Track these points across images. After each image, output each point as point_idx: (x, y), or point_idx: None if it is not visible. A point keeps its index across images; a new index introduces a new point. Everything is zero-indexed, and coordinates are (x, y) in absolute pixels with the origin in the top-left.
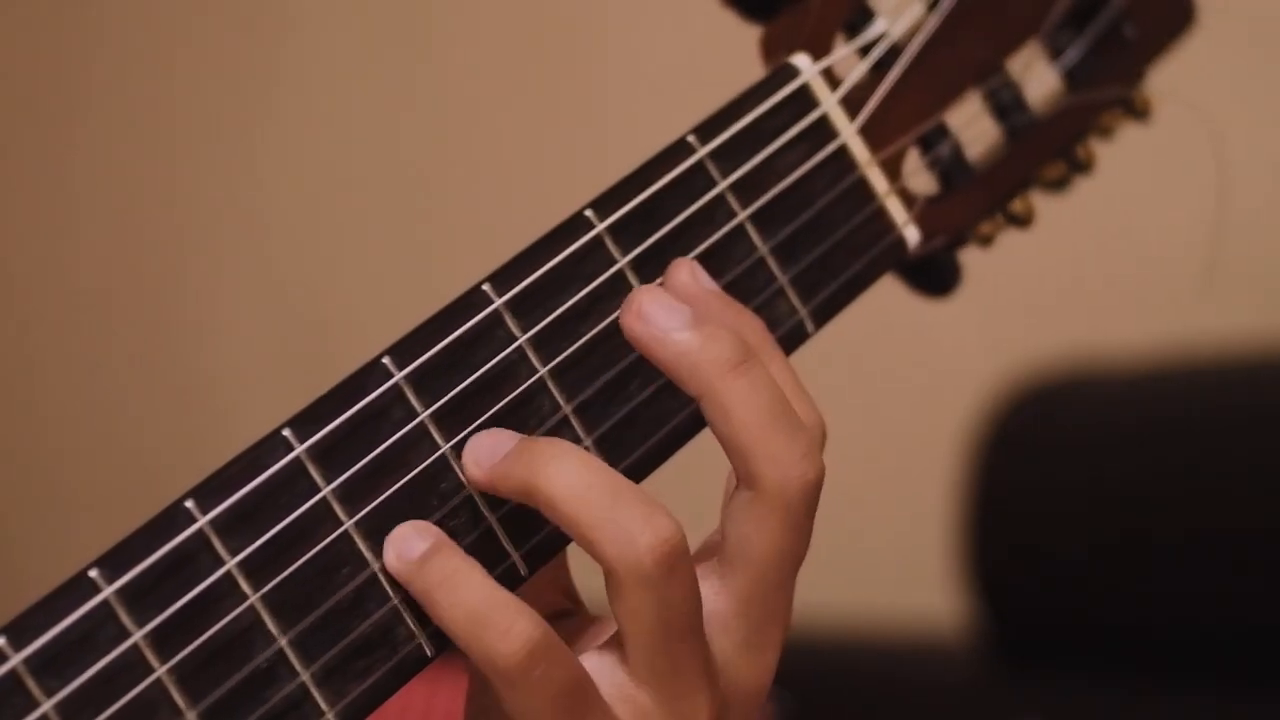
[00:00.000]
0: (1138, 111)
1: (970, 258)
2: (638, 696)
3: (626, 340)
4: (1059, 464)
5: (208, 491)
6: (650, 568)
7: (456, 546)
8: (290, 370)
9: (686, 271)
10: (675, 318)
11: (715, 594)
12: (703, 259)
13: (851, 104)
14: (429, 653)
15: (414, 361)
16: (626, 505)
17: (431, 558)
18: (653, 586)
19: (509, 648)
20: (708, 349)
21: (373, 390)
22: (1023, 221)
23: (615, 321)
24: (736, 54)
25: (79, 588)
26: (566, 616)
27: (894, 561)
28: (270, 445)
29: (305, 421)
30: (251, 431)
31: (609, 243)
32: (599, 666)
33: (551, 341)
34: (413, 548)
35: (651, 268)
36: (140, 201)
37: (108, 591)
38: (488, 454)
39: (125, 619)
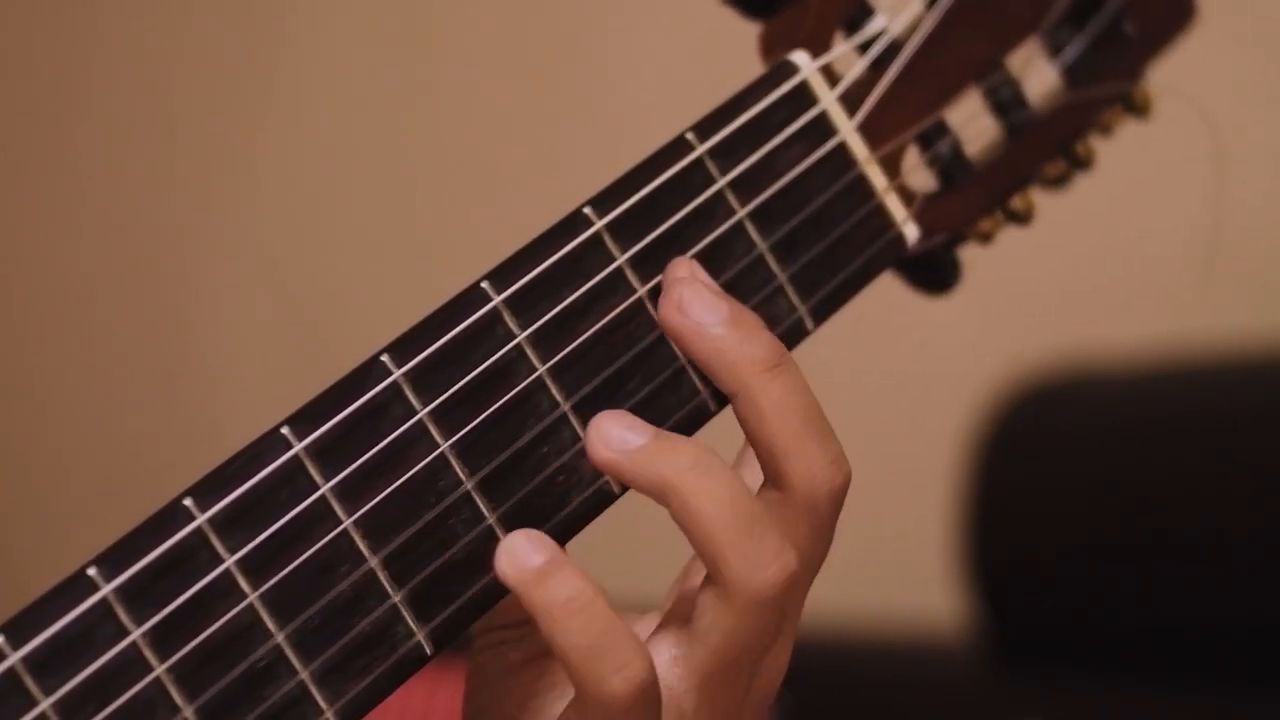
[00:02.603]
0: (1138, 108)
1: (970, 255)
2: (684, 702)
3: (664, 330)
4: (1059, 464)
5: (206, 489)
6: (768, 600)
7: (573, 563)
8: (289, 368)
9: (685, 270)
10: (714, 313)
11: None
12: (702, 256)
13: (850, 101)
14: (428, 651)
15: (413, 359)
16: (763, 534)
17: (553, 574)
18: (761, 614)
19: (621, 687)
20: (745, 347)
21: (371, 388)
22: (1023, 219)
23: (614, 319)
24: (735, 51)
25: (77, 586)
26: None
27: (894, 561)
28: (269, 443)
29: (304, 419)
30: (250, 429)
31: (608, 240)
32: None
33: (550, 339)
34: (529, 559)
35: (650, 265)
36: (140, 201)
37: (106, 590)
38: (619, 440)
39: (124, 617)
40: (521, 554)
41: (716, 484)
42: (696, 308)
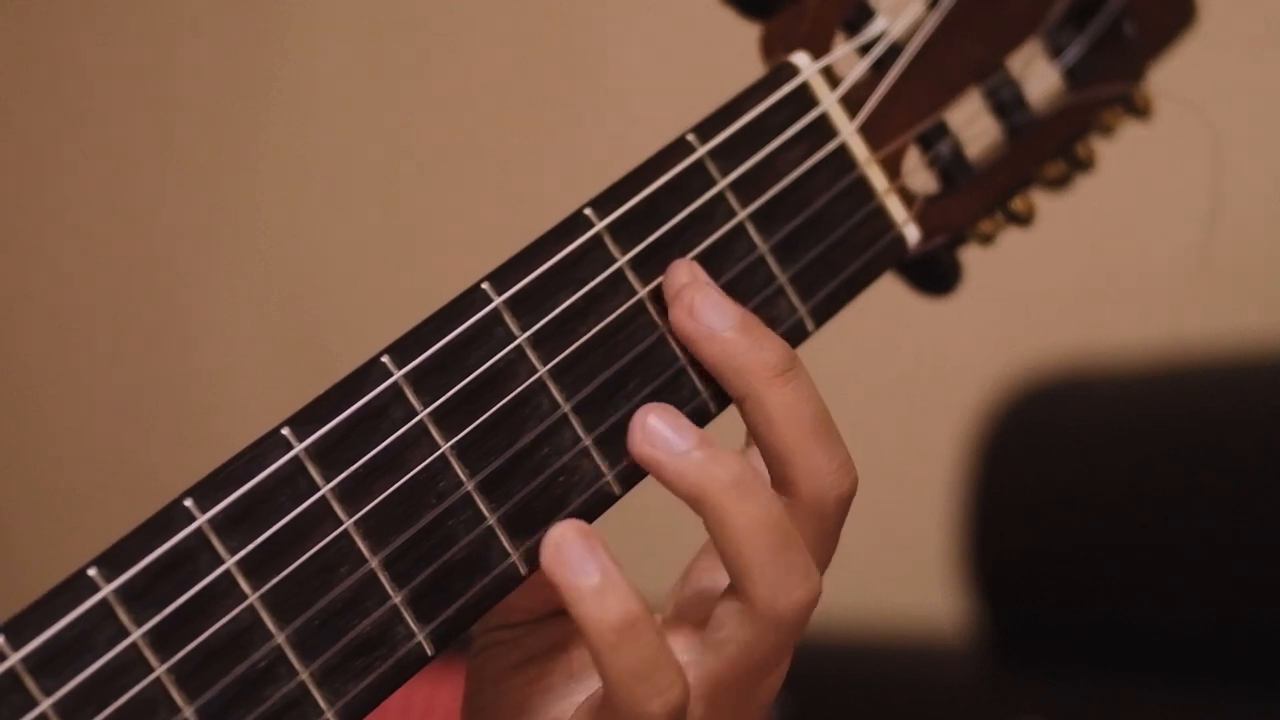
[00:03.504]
0: (1138, 110)
1: (971, 256)
2: (692, 710)
3: (676, 334)
4: (1059, 464)
5: (207, 490)
6: (790, 622)
7: (624, 575)
8: (290, 369)
9: (686, 272)
10: (725, 318)
11: None
12: (702, 258)
13: (851, 102)
14: (429, 652)
15: (413, 360)
16: (793, 557)
17: (608, 593)
18: (781, 635)
19: (658, 709)
20: (756, 353)
21: (372, 389)
22: (1023, 220)
23: (615, 320)
24: (736, 53)
25: (78, 586)
26: (564, 615)
27: (894, 561)
28: (269, 444)
29: (304, 420)
30: (251, 430)
31: (608, 241)
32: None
33: (551, 340)
34: (586, 569)
35: (651, 266)
36: (140, 202)
37: (106, 590)
38: (662, 439)
39: (124, 618)
40: (578, 565)
41: (754, 504)
42: (706, 312)
